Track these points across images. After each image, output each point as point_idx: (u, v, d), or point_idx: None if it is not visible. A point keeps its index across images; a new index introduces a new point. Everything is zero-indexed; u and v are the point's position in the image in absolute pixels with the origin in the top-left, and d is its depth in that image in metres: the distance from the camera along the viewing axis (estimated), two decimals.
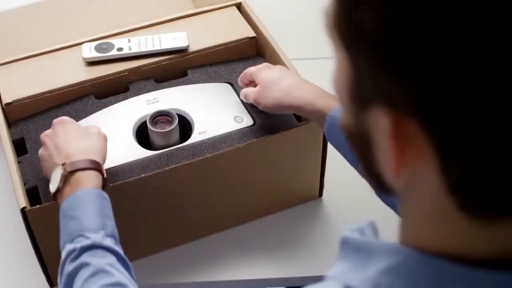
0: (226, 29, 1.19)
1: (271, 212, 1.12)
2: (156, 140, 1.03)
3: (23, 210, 0.92)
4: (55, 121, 0.95)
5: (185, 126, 1.05)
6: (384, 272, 0.44)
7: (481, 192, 0.40)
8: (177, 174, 0.99)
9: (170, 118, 1.03)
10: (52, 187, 0.88)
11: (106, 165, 0.96)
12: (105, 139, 0.95)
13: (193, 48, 1.15)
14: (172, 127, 1.02)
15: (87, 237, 0.82)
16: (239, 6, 1.24)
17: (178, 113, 1.05)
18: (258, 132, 1.03)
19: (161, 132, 1.02)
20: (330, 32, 0.44)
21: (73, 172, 0.87)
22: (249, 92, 1.02)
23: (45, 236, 0.96)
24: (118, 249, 0.83)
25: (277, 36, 1.15)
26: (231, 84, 1.11)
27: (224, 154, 1.00)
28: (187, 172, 0.99)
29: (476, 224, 0.42)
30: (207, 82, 1.12)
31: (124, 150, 1.01)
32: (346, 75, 0.44)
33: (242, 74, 1.06)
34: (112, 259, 0.81)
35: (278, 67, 1.02)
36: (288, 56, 1.11)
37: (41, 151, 0.94)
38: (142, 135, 1.05)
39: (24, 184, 0.98)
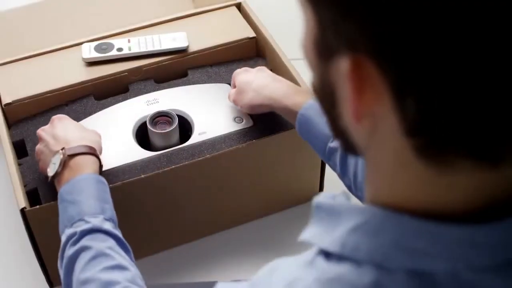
0: (226, 29, 1.19)
1: (271, 212, 1.12)
2: (156, 140, 1.03)
3: (22, 211, 0.92)
4: (53, 117, 0.97)
5: (185, 127, 1.05)
6: (351, 231, 0.46)
7: (436, 132, 0.41)
8: (177, 175, 0.99)
9: (170, 119, 1.03)
10: (51, 171, 0.90)
11: (106, 166, 0.97)
12: (100, 136, 0.98)
13: (193, 48, 1.15)
14: (172, 128, 1.02)
15: (87, 221, 0.83)
16: (239, 6, 1.24)
17: (178, 113, 1.05)
18: (258, 133, 1.03)
19: (161, 133, 1.01)
20: None
21: (72, 156, 0.89)
22: (230, 94, 1.06)
23: (45, 237, 0.96)
24: (117, 232, 0.85)
25: (277, 36, 1.15)
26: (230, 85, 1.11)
27: (224, 154, 1.00)
28: (187, 172, 0.99)
29: (433, 170, 0.43)
30: (207, 83, 1.12)
31: (124, 151, 1.01)
32: (313, 31, 0.46)
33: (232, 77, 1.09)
34: (112, 242, 0.83)
35: (256, 68, 1.05)
36: (288, 56, 1.11)
37: (38, 146, 0.96)
38: (142, 135, 1.05)
39: (24, 186, 0.98)
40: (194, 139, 1.03)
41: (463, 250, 0.43)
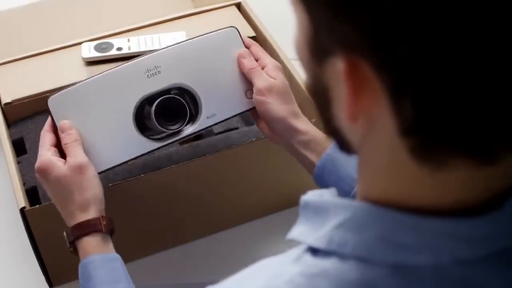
0: None
1: (271, 212, 1.12)
2: (161, 132, 0.92)
3: (22, 210, 0.92)
4: (36, 170, 0.86)
5: (190, 103, 0.93)
6: (337, 226, 0.46)
7: (431, 131, 0.41)
8: (177, 174, 0.98)
9: (177, 102, 0.90)
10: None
11: (108, 164, 0.90)
12: (86, 170, 0.85)
13: None
14: (182, 127, 0.91)
15: None
16: (238, 6, 1.24)
17: (183, 87, 0.92)
18: (258, 132, 1.03)
19: (171, 132, 0.91)
20: None
21: (75, 239, 0.84)
22: (247, 62, 0.93)
23: (45, 236, 0.96)
24: None
25: (277, 36, 1.15)
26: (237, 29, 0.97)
27: (224, 154, 1.00)
28: (186, 172, 0.99)
29: (427, 169, 0.43)
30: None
31: (124, 143, 0.90)
32: (305, 30, 0.45)
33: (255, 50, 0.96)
34: None
35: None
36: (288, 56, 1.11)
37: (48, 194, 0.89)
38: (142, 117, 0.92)
39: (24, 184, 0.98)
40: (201, 124, 0.92)
41: (448, 243, 0.44)
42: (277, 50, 1.12)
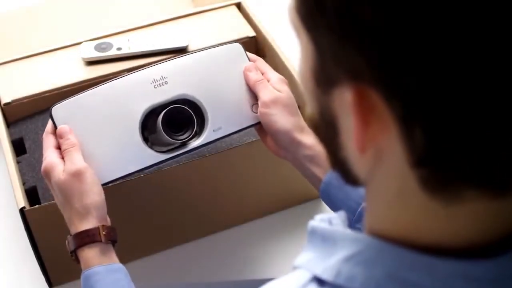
0: (226, 28, 1.18)
1: (271, 212, 1.12)
2: (167, 142, 0.91)
3: (22, 210, 0.92)
4: (42, 172, 0.86)
5: (197, 114, 0.91)
6: (345, 260, 0.45)
7: (443, 162, 0.40)
8: (177, 174, 0.98)
9: (185, 113, 0.89)
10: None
11: (112, 176, 0.88)
12: (83, 176, 0.83)
13: (193, 47, 1.14)
14: (189, 137, 0.90)
15: None
16: (239, 6, 1.24)
17: (190, 99, 0.91)
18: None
19: (177, 145, 0.90)
20: (292, 18, 0.45)
21: (76, 248, 0.83)
22: (252, 76, 0.92)
23: (44, 236, 0.96)
24: None
25: (277, 36, 1.15)
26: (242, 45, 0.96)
27: (224, 154, 1.00)
28: (186, 172, 0.99)
29: (438, 201, 0.42)
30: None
31: (131, 155, 0.89)
32: (310, 59, 0.44)
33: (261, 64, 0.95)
34: None
35: None
36: (288, 56, 1.11)
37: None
38: (148, 128, 0.90)
39: (23, 184, 0.98)
40: (208, 137, 0.92)
41: (460, 284, 0.43)
42: (277, 50, 1.12)
